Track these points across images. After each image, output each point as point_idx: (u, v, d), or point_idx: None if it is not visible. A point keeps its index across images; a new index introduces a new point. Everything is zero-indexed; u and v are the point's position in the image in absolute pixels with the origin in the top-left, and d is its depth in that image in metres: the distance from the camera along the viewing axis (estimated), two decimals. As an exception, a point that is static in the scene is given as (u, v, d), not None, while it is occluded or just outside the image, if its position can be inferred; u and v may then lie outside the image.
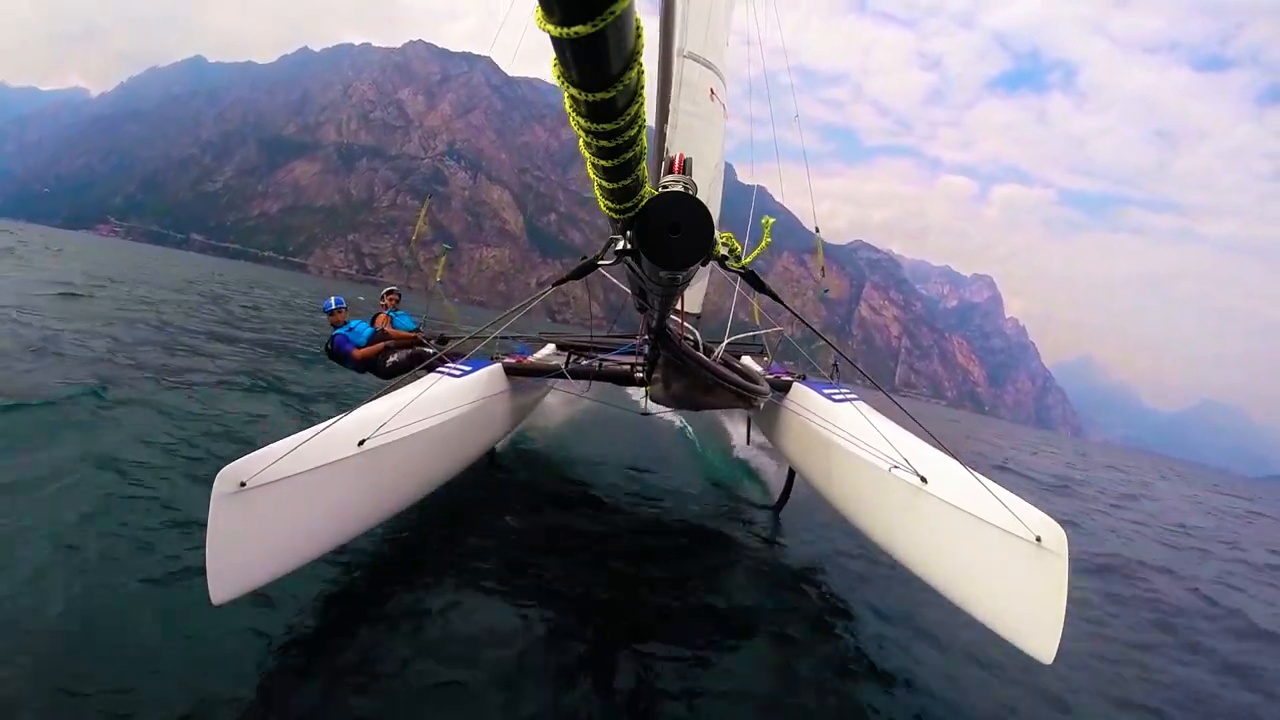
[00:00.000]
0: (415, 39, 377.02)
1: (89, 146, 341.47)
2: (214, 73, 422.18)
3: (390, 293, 7.93)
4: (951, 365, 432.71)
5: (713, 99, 7.41)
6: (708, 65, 7.32)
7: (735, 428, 10.73)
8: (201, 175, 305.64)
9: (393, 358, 7.21)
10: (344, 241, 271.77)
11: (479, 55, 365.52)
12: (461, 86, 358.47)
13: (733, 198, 8.53)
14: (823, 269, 7.84)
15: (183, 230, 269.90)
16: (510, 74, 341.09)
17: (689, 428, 11.43)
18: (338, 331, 7.30)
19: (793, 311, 3.92)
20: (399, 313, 7.79)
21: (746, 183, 9.38)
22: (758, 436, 8.85)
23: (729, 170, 10.58)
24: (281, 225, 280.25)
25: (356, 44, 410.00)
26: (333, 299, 7.47)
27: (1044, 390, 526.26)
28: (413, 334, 7.57)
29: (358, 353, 7.17)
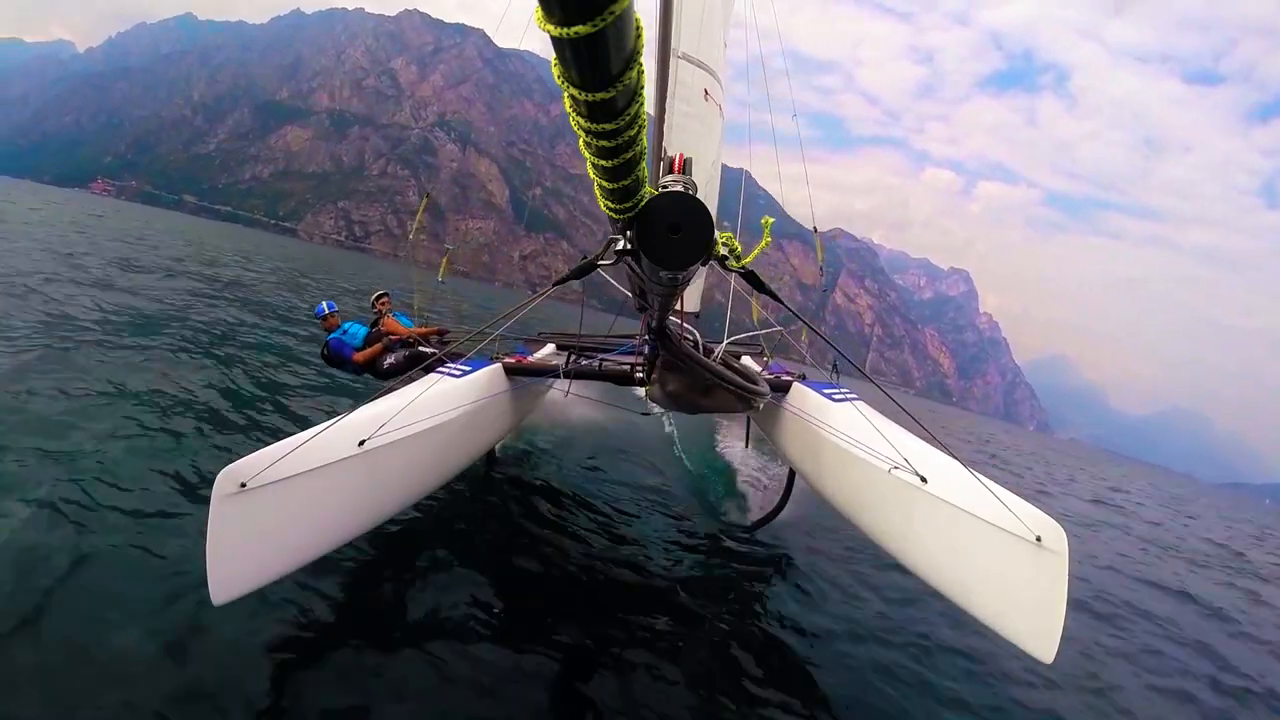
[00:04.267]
0: (410, 8, 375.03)
1: (77, 104, 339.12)
2: (205, 31, 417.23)
3: (382, 297, 7.61)
4: (922, 356, 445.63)
5: (707, 99, 7.43)
6: (701, 66, 7.31)
7: (735, 429, 10.83)
8: (194, 137, 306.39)
9: (389, 359, 7.14)
10: (334, 208, 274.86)
11: (472, 27, 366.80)
12: (454, 58, 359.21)
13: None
14: (821, 267, 8.01)
15: (175, 191, 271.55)
16: (501, 46, 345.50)
17: (676, 433, 11.50)
18: (332, 336, 7.26)
19: (793, 312, 3.98)
20: (397, 313, 7.71)
21: (731, 165, 9.12)
22: (758, 437, 8.59)
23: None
24: (273, 190, 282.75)
25: (350, 8, 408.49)
26: (324, 304, 7.40)
27: (1013, 385, 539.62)
28: (413, 331, 7.49)
29: (358, 356, 7.13)
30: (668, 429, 11.63)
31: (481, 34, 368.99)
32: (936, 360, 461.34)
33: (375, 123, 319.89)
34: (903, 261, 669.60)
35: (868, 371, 4.12)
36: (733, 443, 10.69)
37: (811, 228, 7.94)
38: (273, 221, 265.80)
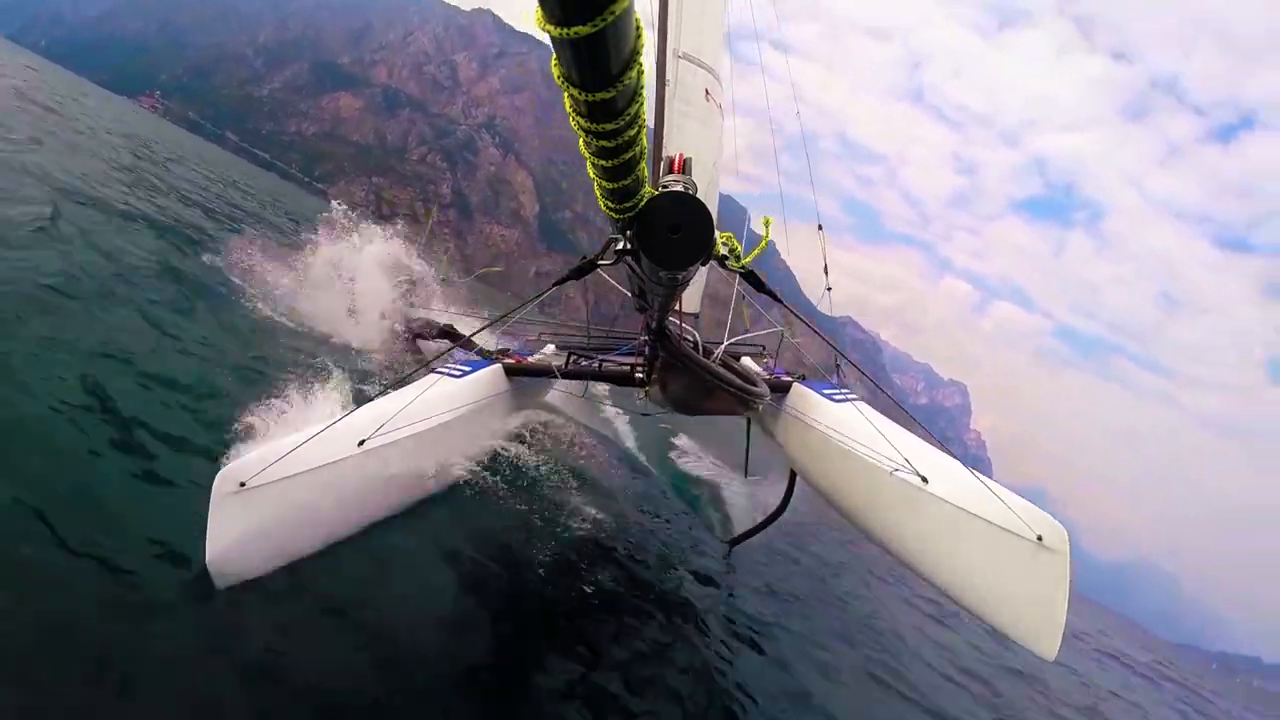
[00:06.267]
0: (484, 7, 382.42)
1: (146, 12, 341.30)
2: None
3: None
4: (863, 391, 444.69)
5: (708, 99, 7.30)
6: (702, 65, 7.19)
7: (734, 429, 10.67)
8: (251, 78, 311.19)
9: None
10: (368, 182, 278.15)
11: (539, 40, 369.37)
12: (515, 65, 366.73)
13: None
14: (825, 268, 7.98)
15: (219, 126, 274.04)
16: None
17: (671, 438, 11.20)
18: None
19: (793, 312, 4.18)
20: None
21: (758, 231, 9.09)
22: (758, 438, 8.79)
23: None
24: (314, 149, 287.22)
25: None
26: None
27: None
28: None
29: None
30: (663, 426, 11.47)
31: (547, 49, 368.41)
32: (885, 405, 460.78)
33: (426, 109, 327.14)
34: (905, 363, 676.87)
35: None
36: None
37: (824, 289, 7.51)
38: (307, 179, 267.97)
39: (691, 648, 5.51)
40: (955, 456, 3.93)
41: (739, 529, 7.90)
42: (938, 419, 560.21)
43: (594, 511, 6.94)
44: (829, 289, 9.06)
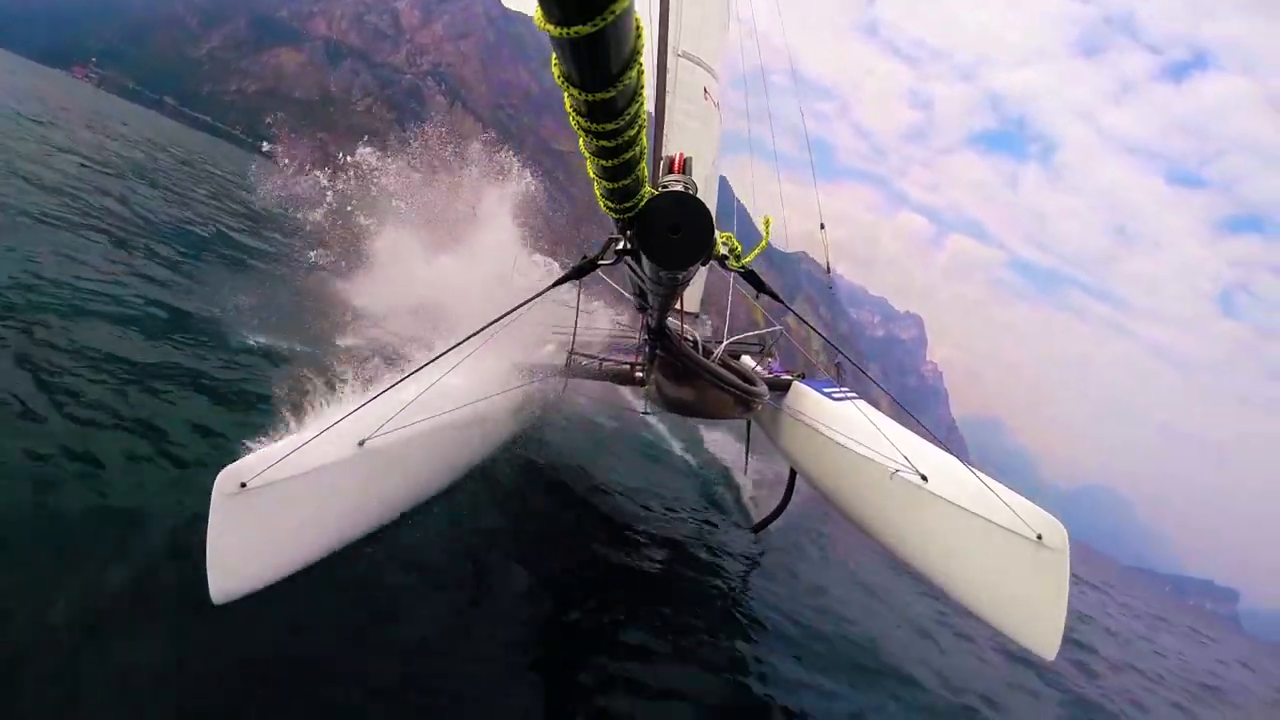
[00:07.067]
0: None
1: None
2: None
3: None
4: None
5: (706, 98, 7.34)
6: (701, 64, 7.22)
7: (734, 430, 10.53)
8: (186, 39, 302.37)
9: None
10: (313, 138, 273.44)
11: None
12: (460, 10, 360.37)
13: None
14: (828, 267, 8.18)
15: (157, 91, 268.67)
16: (507, 6, 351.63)
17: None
18: None
19: (793, 312, 4.03)
20: None
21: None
22: (758, 439, 8.50)
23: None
24: (256, 107, 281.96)
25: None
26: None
27: (947, 438, 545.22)
28: None
29: None
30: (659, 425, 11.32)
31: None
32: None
33: (369, 59, 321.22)
34: (860, 296, 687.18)
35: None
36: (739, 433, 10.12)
37: (819, 232, 7.80)
38: (250, 140, 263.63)
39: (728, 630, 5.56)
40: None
41: (761, 513, 7.81)
42: (894, 351, 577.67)
43: (608, 495, 6.94)
44: (831, 286, 11.00)
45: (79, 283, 7.39)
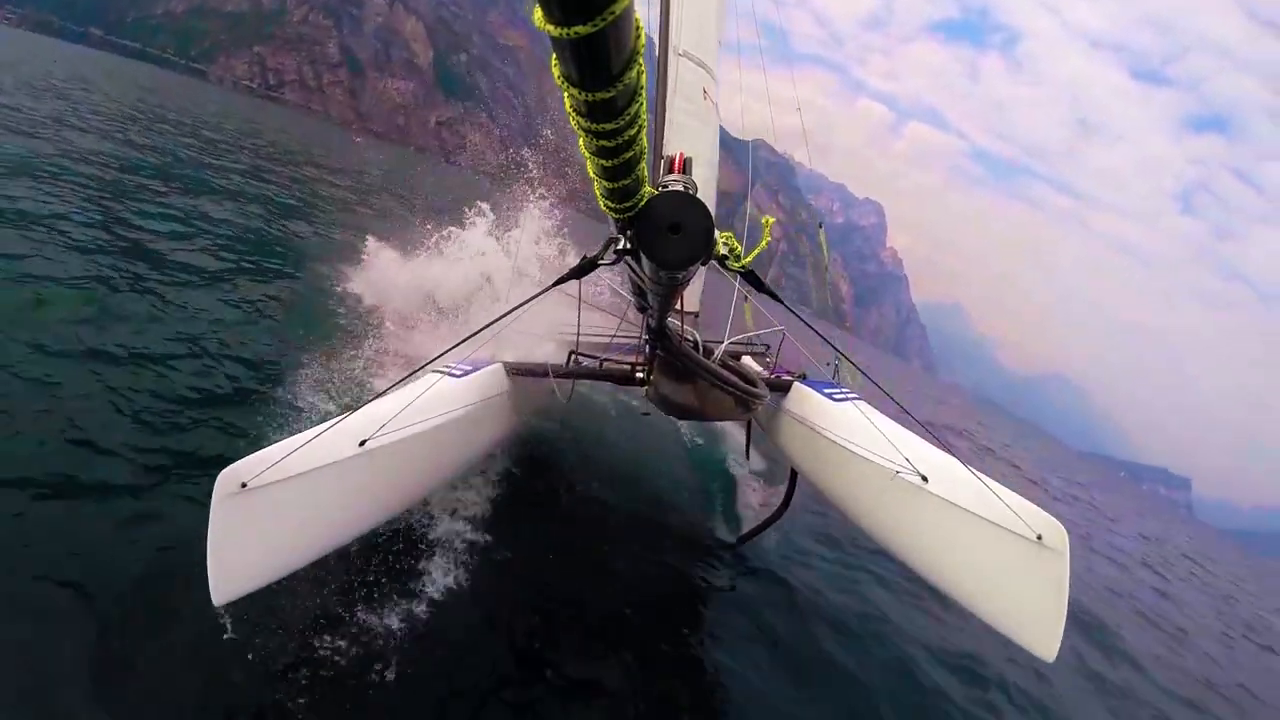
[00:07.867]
0: None
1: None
2: None
3: None
4: (823, 277, 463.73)
5: (705, 98, 7.42)
6: (701, 64, 7.27)
7: (735, 430, 10.35)
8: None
9: None
10: (249, 53, 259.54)
11: None
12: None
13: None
14: (827, 266, 8.27)
15: (80, 23, 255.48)
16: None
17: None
18: None
19: (794, 313, 3.94)
20: None
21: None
22: (758, 439, 8.40)
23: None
24: (185, 27, 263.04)
25: None
26: None
27: (906, 322, 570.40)
28: None
29: None
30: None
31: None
32: (836, 285, 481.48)
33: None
34: (819, 183, 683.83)
35: (767, 282, 3.76)
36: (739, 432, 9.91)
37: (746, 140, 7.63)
38: (183, 61, 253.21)
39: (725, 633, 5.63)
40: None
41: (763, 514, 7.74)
42: (854, 238, 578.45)
43: (604, 492, 7.10)
44: (829, 282, 9.93)
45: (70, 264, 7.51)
